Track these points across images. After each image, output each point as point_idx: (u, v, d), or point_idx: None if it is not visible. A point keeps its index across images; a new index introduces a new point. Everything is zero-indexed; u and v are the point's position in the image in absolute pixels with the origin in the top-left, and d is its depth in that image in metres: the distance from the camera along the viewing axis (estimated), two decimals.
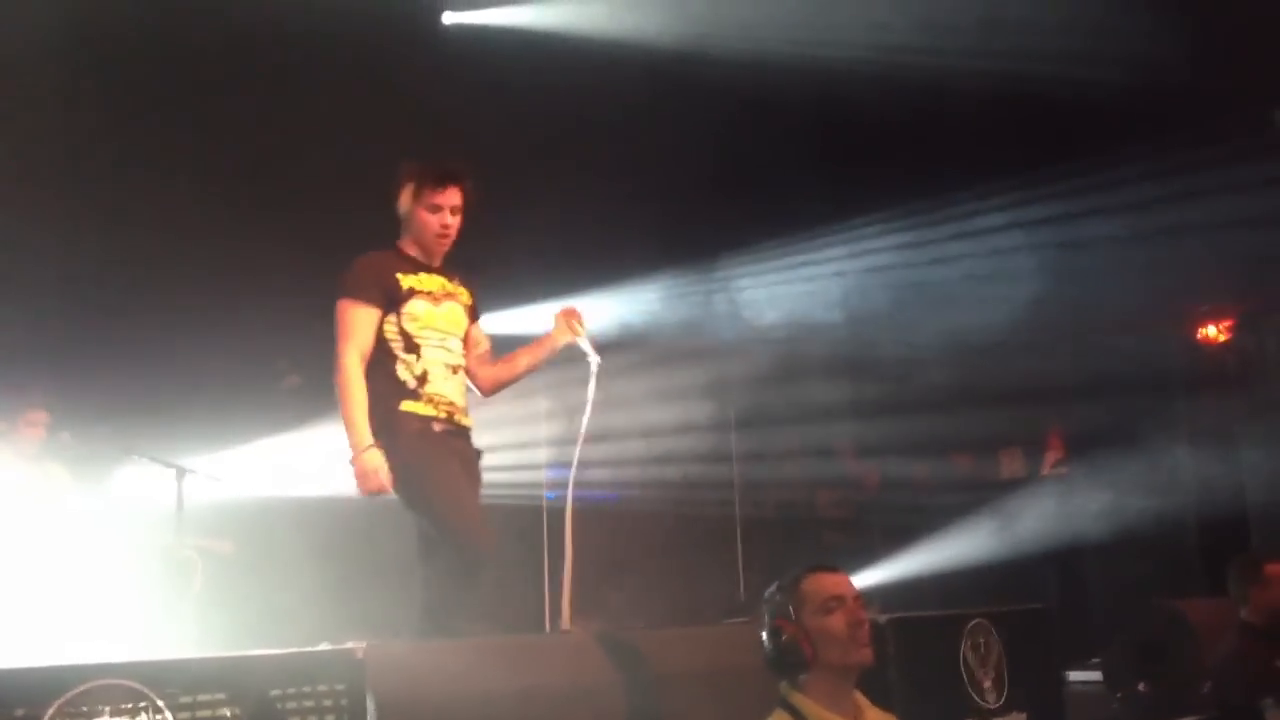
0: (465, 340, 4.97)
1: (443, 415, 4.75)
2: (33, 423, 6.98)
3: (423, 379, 4.74)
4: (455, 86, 8.40)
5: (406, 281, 4.79)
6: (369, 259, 4.81)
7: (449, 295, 4.90)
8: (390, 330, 4.75)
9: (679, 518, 9.65)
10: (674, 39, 8.62)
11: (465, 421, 4.90)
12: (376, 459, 4.56)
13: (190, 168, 7.78)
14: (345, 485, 4.70)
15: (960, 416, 9.71)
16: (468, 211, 4.85)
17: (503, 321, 9.56)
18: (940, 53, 8.44)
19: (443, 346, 4.83)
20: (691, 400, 9.35)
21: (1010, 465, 10.41)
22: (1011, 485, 10.08)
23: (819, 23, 8.52)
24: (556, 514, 8.45)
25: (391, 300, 4.75)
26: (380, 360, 4.72)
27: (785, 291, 10.06)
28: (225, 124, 7.79)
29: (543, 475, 8.82)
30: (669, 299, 9.75)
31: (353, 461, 4.58)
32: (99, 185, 7.60)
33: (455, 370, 4.87)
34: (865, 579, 8.93)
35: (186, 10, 7.60)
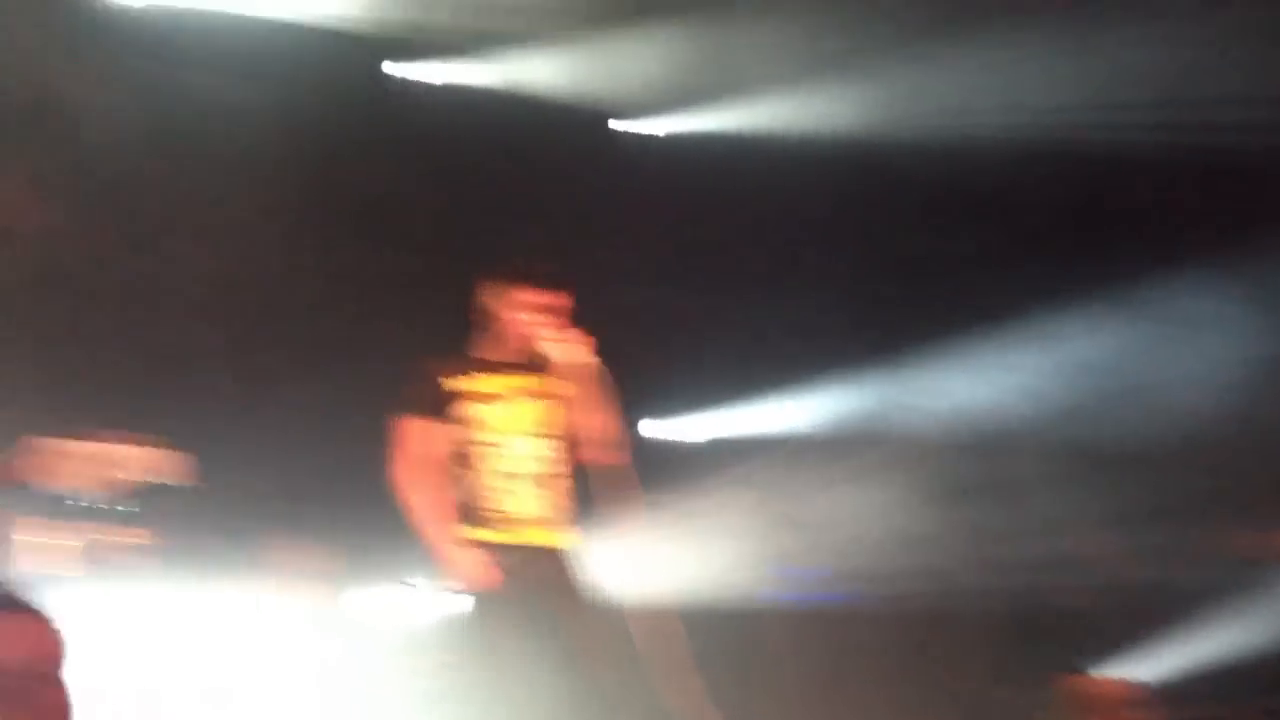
0: (563, 437, 4.42)
1: (498, 537, 4.24)
2: (297, 547, 7.31)
3: (477, 495, 4.29)
4: (629, 186, 8.66)
5: (463, 384, 4.40)
6: (426, 364, 4.46)
7: (523, 391, 4.43)
8: (448, 444, 4.34)
9: (906, 618, 9.44)
10: (863, 128, 8.70)
11: (542, 540, 4.32)
12: (475, 556, 4.19)
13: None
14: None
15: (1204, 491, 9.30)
16: (559, 312, 4.46)
17: (700, 425, 9.84)
18: (1130, 127, 8.36)
19: (504, 453, 4.33)
20: (901, 494, 9.28)
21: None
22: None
23: (1011, 105, 8.50)
24: (781, 617, 8.46)
25: (445, 409, 4.36)
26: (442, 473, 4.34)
27: (995, 381, 9.94)
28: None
29: (758, 574, 8.81)
30: (870, 394, 9.74)
31: (444, 562, 4.23)
32: (330, 315, 8.01)
33: (525, 479, 4.32)
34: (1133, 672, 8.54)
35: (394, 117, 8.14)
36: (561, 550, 4.32)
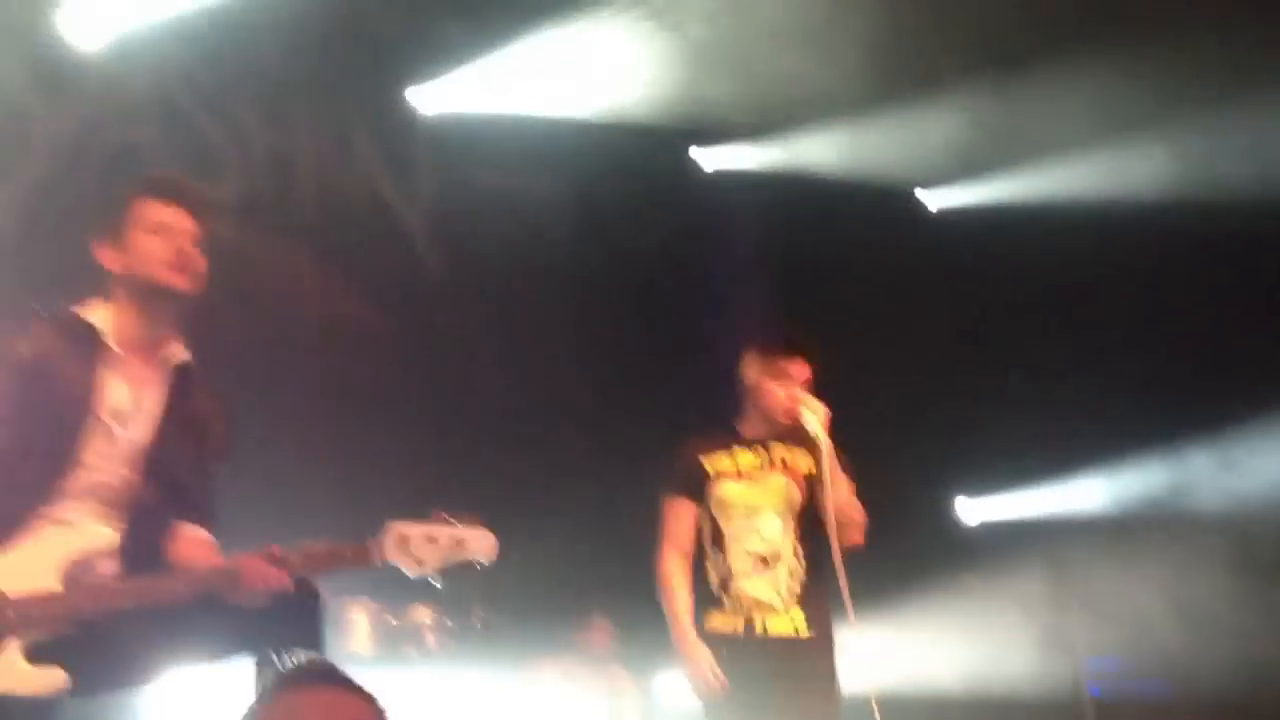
0: (803, 514, 4.31)
1: (743, 624, 4.20)
2: (598, 628, 7.61)
3: (725, 579, 4.26)
4: (935, 258, 8.59)
5: (715, 464, 4.41)
6: (690, 443, 4.50)
7: (774, 468, 4.37)
8: (705, 527, 4.36)
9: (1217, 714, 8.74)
10: (1168, 190, 8.33)
11: (779, 628, 4.21)
12: (701, 662, 4.14)
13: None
14: None
15: None
16: (810, 383, 4.43)
17: (1001, 504, 9.50)
18: None
19: (751, 532, 4.27)
20: (1213, 577, 8.65)
21: None
22: None
23: None
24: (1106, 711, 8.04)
25: (701, 490, 4.38)
26: (697, 562, 4.35)
27: None
28: None
29: (1075, 664, 8.39)
30: (1178, 470, 9.18)
31: (682, 658, 4.21)
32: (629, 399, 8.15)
33: (771, 561, 4.24)
34: None
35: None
36: (807, 637, 4.20)
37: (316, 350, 7.50)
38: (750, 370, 4.48)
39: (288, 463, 6.71)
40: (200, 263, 3.29)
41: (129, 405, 3.23)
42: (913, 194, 9.45)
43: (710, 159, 9.01)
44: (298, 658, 3.02)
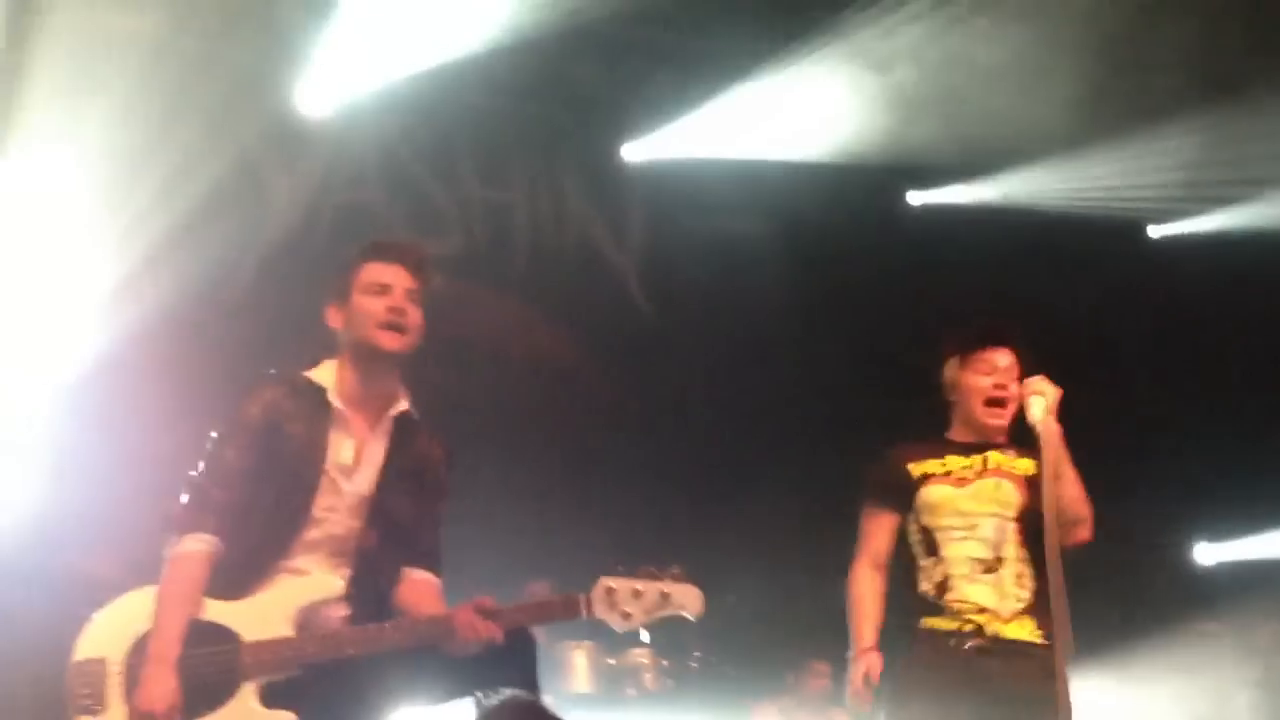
0: (1025, 516, 4.00)
1: (969, 628, 3.90)
2: (818, 674, 7.52)
3: (943, 586, 3.97)
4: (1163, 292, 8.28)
5: (921, 468, 4.12)
6: (892, 452, 4.21)
7: (990, 471, 4.08)
8: (911, 529, 4.09)
9: None
10: None
11: (1011, 632, 3.94)
12: (861, 670, 3.95)
13: None
14: None
15: None
16: (1019, 373, 4.09)
17: (1239, 549, 8.98)
18: None
19: (971, 537, 3.99)
20: None
21: None
22: None
23: None
24: None
25: (906, 497, 4.09)
26: (905, 570, 4.09)
27: None
28: None
29: None
30: None
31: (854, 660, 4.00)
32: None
33: (994, 565, 3.97)
34: None
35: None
36: (1032, 645, 3.88)
37: (530, 398, 7.69)
38: (950, 371, 4.19)
39: (500, 511, 6.89)
40: (413, 318, 3.41)
41: (354, 459, 3.37)
42: (1137, 226, 9.14)
43: (923, 198, 8.91)
44: (502, 695, 3.09)
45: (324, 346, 3.55)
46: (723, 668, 7.21)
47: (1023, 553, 3.95)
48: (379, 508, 3.37)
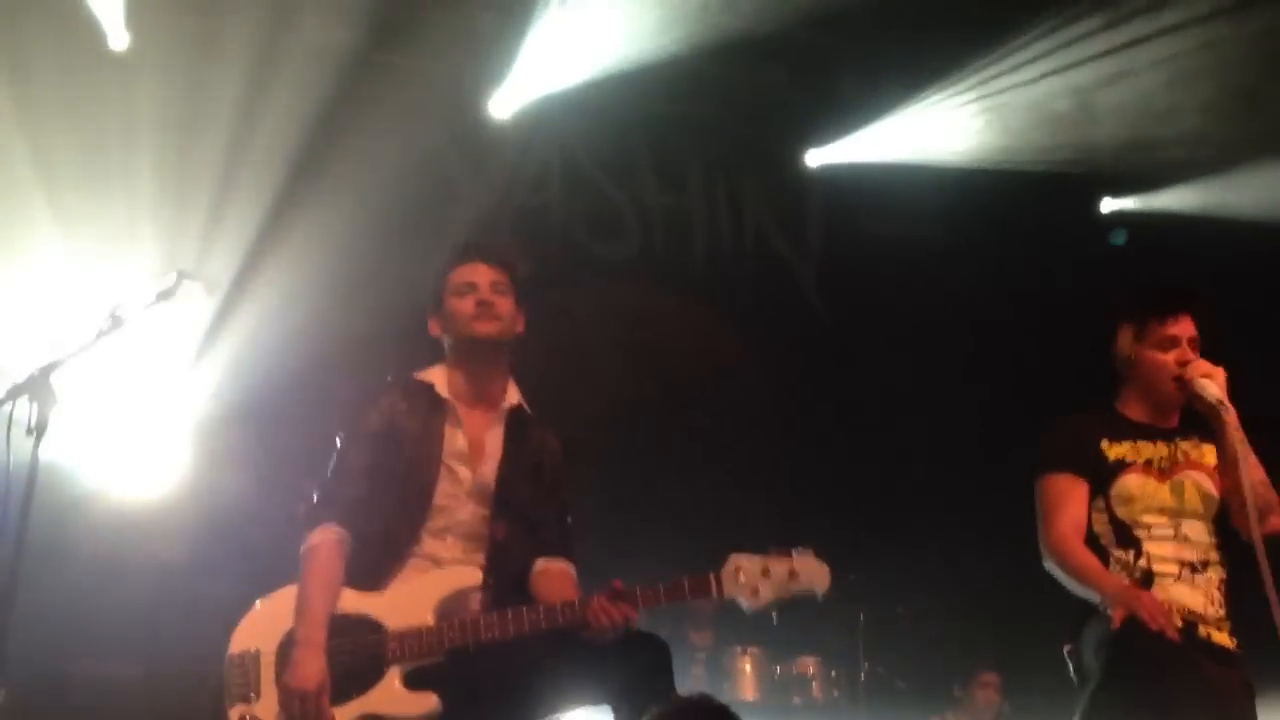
0: (1218, 512, 3.79)
1: (1180, 627, 3.57)
2: (986, 685, 7.36)
3: (1147, 583, 3.68)
4: None
5: (1115, 450, 3.86)
6: (1070, 420, 3.97)
7: (1185, 464, 3.84)
8: (1098, 517, 3.80)
9: None
10: None
11: (1221, 639, 3.68)
12: (1144, 597, 3.56)
13: None
14: None
15: None
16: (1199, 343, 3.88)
17: None
18: None
19: (1176, 536, 3.75)
20: None
21: None
22: None
23: None
24: None
25: (1097, 477, 3.82)
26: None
27: None
28: None
29: None
30: None
31: (1125, 602, 3.55)
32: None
33: (1199, 567, 3.72)
34: None
35: None
36: (1237, 652, 3.69)
37: (704, 401, 7.73)
38: (1124, 342, 3.92)
39: (673, 509, 6.96)
40: (502, 306, 3.64)
41: (470, 449, 3.59)
42: None
43: (1115, 205, 8.65)
44: (690, 695, 3.15)
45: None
46: (893, 680, 7.13)
47: (1219, 555, 3.78)
48: (503, 497, 3.57)
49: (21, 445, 3.22)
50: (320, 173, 6.57)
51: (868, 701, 7.01)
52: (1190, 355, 3.80)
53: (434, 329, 3.73)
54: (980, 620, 7.60)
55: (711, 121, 7.93)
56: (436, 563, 3.50)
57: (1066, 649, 3.87)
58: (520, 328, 3.71)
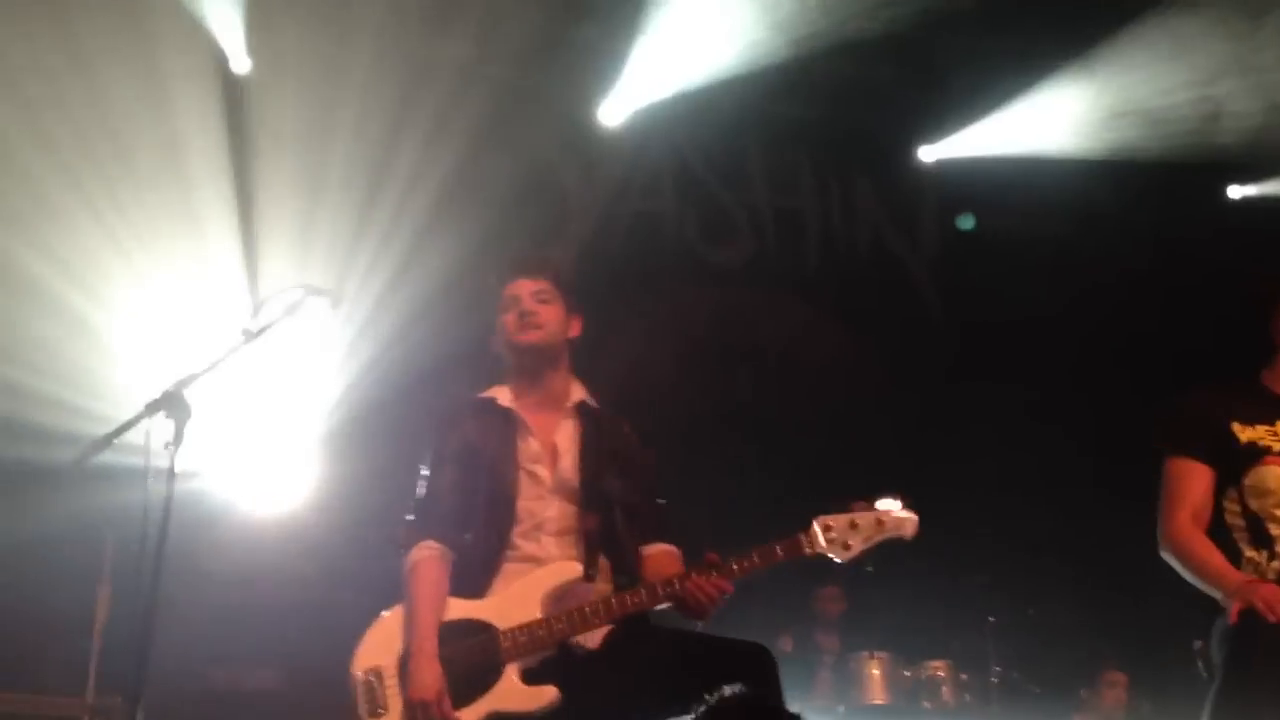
0: None
1: None
2: (1114, 684, 7.23)
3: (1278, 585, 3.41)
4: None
5: (1248, 434, 3.60)
6: (1194, 398, 3.75)
7: None
8: (1230, 508, 3.58)
9: None
10: None
11: None
12: (1265, 591, 3.37)
13: None
14: None
15: None
16: None
17: None
18: None
19: None
20: None
21: None
22: None
23: None
24: None
25: (1227, 463, 3.58)
26: (1220, 549, 3.56)
27: None
28: None
29: None
30: None
31: (1244, 596, 3.38)
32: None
33: None
34: None
35: None
36: None
37: (819, 401, 7.67)
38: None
39: (793, 510, 6.92)
40: (545, 314, 3.74)
41: (544, 450, 3.71)
42: None
43: (1238, 192, 8.40)
44: (732, 691, 3.18)
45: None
46: (1024, 683, 6.99)
47: None
48: (588, 489, 3.67)
49: (159, 460, 3.30)
50: (437, 187, 6.67)
51: (999, 705, 6.89)
52: None
53: (493, 346, 3.88)
54: (1109, 619, 7.43)
55: (822, 122, 7.87)
56: (536, 562, 3.60)
57: (1197, 645, 3.67)
58: (574, 330, 3.82)
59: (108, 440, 3.36)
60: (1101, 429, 7.49)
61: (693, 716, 2.88)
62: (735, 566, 3.42)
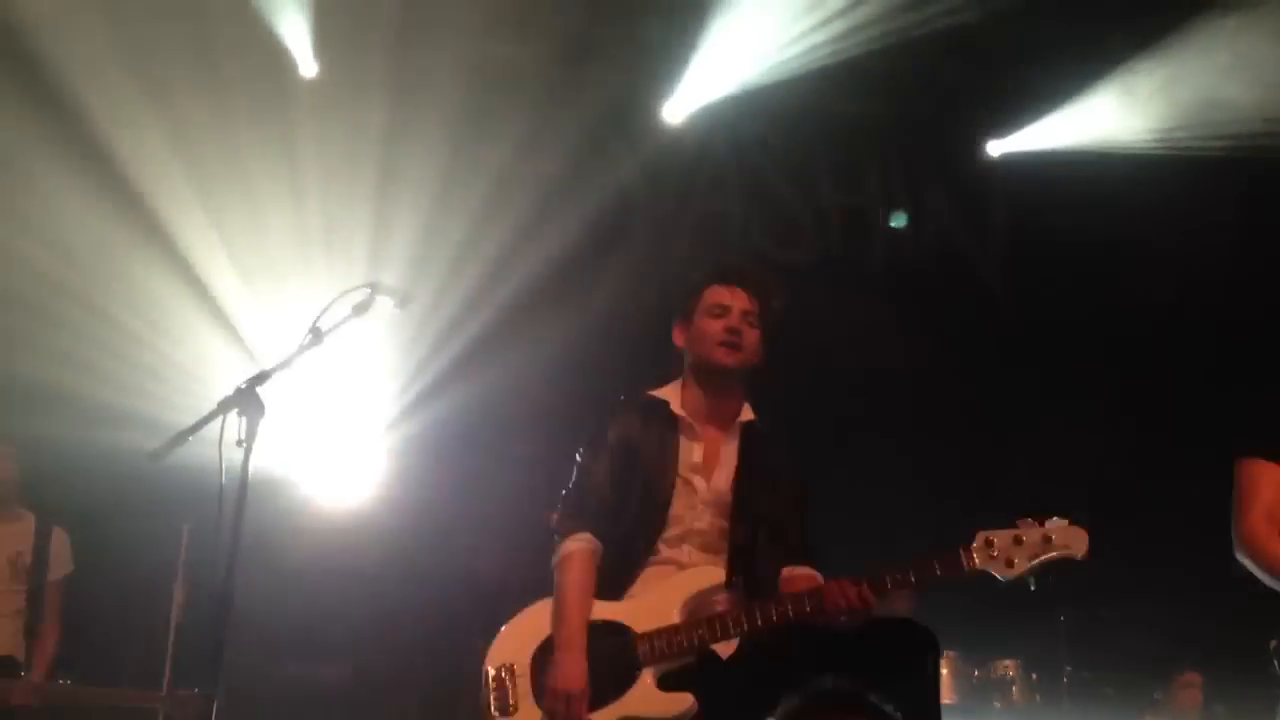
0: None
1: None
2: (1188, 685, 7.07)
3: None
4: None
5: None
6: (1267, 395, 3.77)
7: None
8: None
9: None
10: None
11: None
12: None
13: None
14: None
15: None
16: None
17: None
18: None
19: None
20: None
21: None
22: None
23: None
24: None
25: None
26: None
27: None
28: None
29: None
30: None
31: None
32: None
33: None
34: None
35: None
36: None
37: (890, 402, 7.62)
38: None
39: (874, 516, 6.88)
40: (749, 337, 3.69)
41: (705, 462, 3.67)
42: None
43: None
44: (824, 683, 3.16)
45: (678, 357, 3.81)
46: (1097, 683, 6.90)
47: None
48: (741, 506, 3.64)
49: (233, 457, 3.34)
50: (504, 187, 6.71)
51: (1071, 705, 6.81)
52: None
53: (678, 339, 3.81)
54: (1184, 619, 7.31)
55: (891, 117, 7.81)
56: (679, 566, 3.58)
57: (1273, 644, 3.71)
58: (759, 358, 3.76)
59: (183, 437, 3.39)
60: (1179, 427, 7.39)
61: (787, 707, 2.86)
62: (888, 580, 3.32)
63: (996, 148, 8.03)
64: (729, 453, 3.70)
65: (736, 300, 3.70)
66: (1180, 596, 7.25)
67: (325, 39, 6.65)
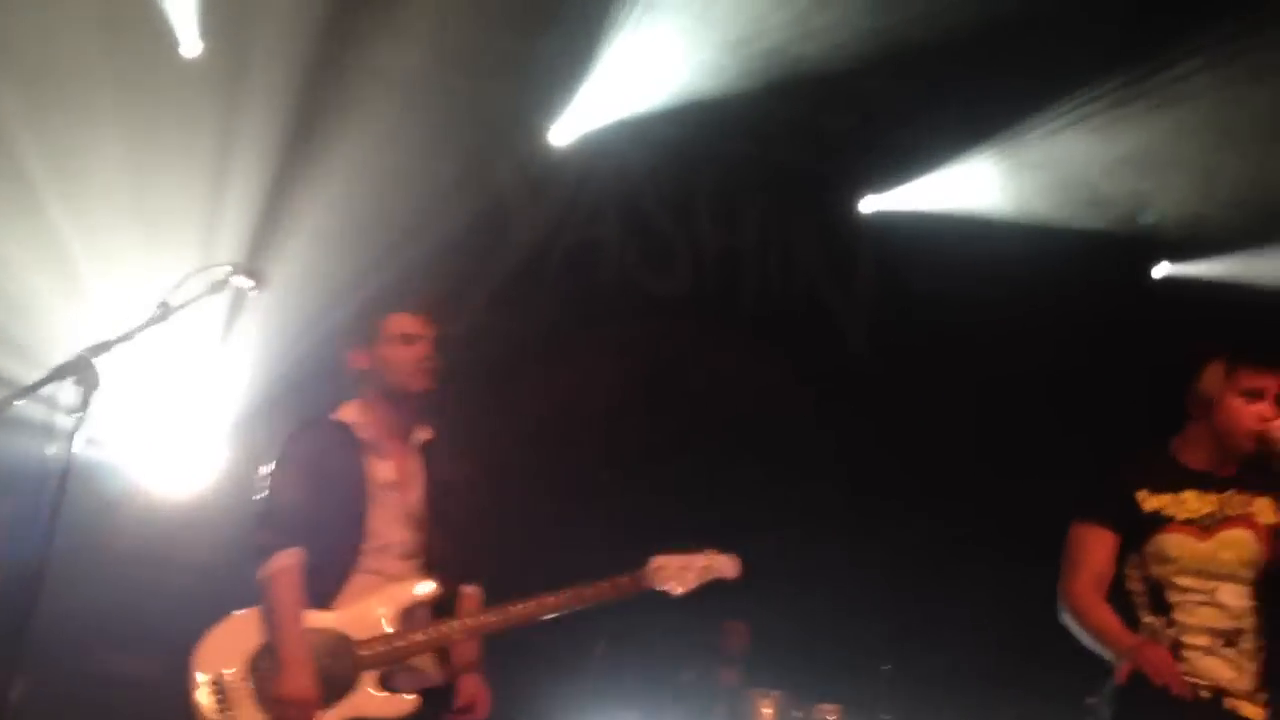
0: (1262, 576, 3.64)
1: (1206, 696, 3.49)
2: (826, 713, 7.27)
3: (1174, 654, 3.52)
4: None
5: (1152, 502, 3.68)
6: (1111, 468, 3.82)
7: (1232, 521, 3.67)
8: (1131, 574, 3.68)
9: None
10: None
11: (1252, 712, 3.52)
12: (1156, 654, 3.50)
13: None
14: None
15: None
16: None
17: None
18: None
19: (1211, 603, 3.58)
20: None
21: None
22: None
23: None
24: None
25: (1130, 530, 3.67)
26: (1119, 614, 3.65)
27: None
28: None
29: None
30: None
31: (1133, 659, 3.51)
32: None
33: (1232, 637, 3.57)
34: None
35: None
36: None
37: (747, 439, 7.67)
38: (1211, 383, 3.70)
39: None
40: (436, 364, 3.88)
41: (400, 479, 3.87)
42: None
43: (1167, 270, 8.54)
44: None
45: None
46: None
47: (1256, 620, 3.61)
48: (433, 521, 3.88)
49: (63, 428, 3.22)
50: (375, 186, 6.61)
51: None
52: (1274, 412, 3.65)
53: (359, 363, 3.93)
54: (1007, 673, 7.48)
55: (773, 162, 7.91)
56: (386, 577, 3.78)
57: (1089, 701, 3.82)
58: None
59: (7, 402, 3.25)
60: (1014, 493, 7.58)
61: None
62: (580, 594, 3.84)
63: (870, 203, 8.19)
64: (416, 468, 3.90)
65: (426, 330, 3.89)
66: (1007, 651, 7.42)
67: (210, 23, 6.49)
